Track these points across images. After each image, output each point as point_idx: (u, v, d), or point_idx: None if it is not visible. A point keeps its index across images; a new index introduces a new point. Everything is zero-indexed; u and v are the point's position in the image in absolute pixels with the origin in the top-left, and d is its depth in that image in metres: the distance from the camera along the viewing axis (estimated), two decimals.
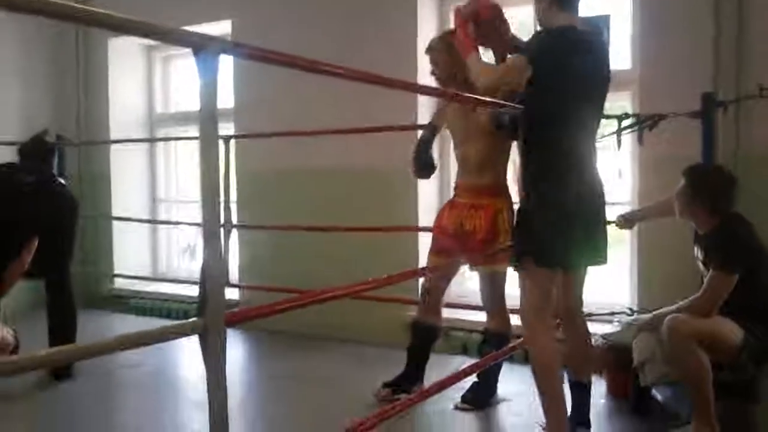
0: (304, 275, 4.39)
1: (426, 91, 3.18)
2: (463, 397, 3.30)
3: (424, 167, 3.36)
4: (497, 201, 3.20)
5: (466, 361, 3.12)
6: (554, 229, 2.56)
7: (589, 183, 2.64)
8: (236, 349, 4.55)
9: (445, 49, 3.21)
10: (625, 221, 3.30)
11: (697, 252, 2.97)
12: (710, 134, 3.33)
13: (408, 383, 3.31)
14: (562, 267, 2.68)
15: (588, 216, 2.62)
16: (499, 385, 3.42)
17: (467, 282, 4.51)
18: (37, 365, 1.53)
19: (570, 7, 2.62)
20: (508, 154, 3.28)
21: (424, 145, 3.36)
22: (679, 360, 2.75)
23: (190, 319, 1.59)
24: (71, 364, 3.89)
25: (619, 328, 3.33)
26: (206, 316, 1.54)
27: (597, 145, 2.78)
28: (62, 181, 4.12)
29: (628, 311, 3.62)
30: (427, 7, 4.54)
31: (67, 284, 3.99)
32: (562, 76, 2.55)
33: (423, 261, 4.32)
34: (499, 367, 3.35)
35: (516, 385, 3.54)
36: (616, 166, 3.85)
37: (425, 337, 3.38)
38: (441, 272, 3.34)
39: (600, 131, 2.86)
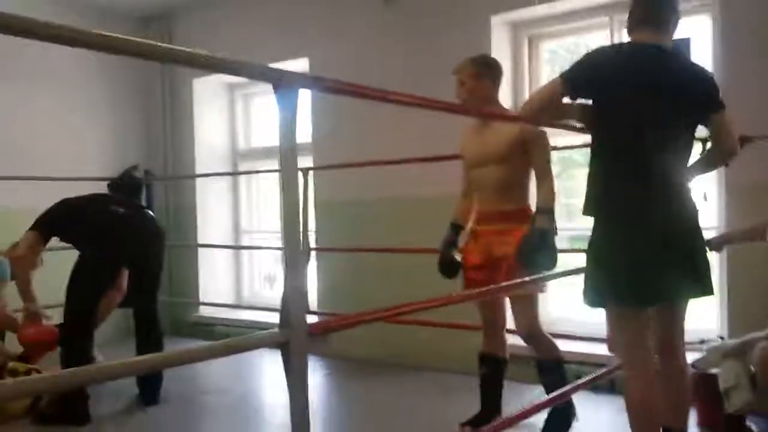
0: (383, 303, 4.41)
1: (494, 116, 3.14)
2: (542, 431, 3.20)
3: (450, 269, 3.23)
4: (523, 225, 3.02)
5: (561, 391, 3.01)
6: (620, 265, 2.35)
7: (667, 208, 2.37)
8: (316, 376, 4.61)
9: (474, 74, 3.13)
10: (713, 245, 3.13)
11: None
12: None
13: (486, 418, 3.19)
14: (639, 304, 2.40)
15: (672, 246, 2.34)
16: (582, 413, 3.32)
17: (547, 310, 4.44)
18: (131, 372, 1.57)
19: (644, 24, 2.45)
20: (530, 177, 3.13)
21: (448, 247, 3.24)
22: None
23: (273, 329, 1.59)
24: (158, 390, 4.03)
25: (706, 355, 3.20)
26: (289, 327, 1.56)
27: (683, 167, 2.47)
28: (150, 212, 4.30)
29: (719, 339, 3.48)
30: (500, 36, 4.56)
31: (154, 313, 4.14)
32: (596, 89, 2.39)
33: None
34: (571, 404, 3.19)
35: (602, 414, 3.44)
36: (702, 190, 3.72)
37: (493, 370, 3.28)
38: (484, 303, 3.23)
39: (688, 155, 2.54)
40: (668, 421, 2.56)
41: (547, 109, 2.49)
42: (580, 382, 3.07)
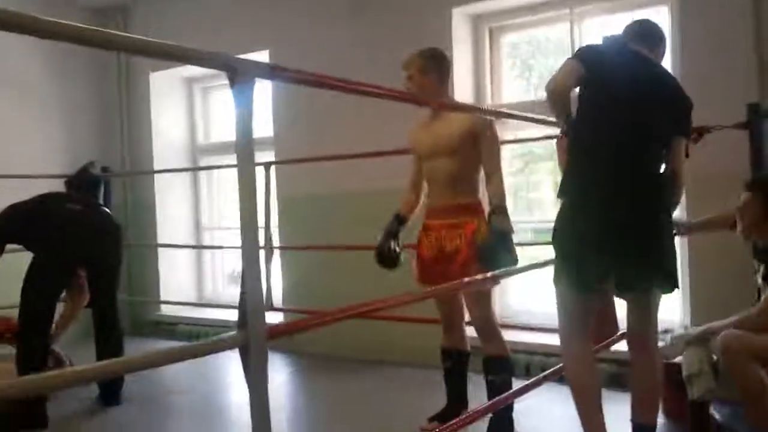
0: (348, 298, 4.36)
1: (460, 108, 3.12)
2: None
3: (387, 260, 3.19)
4: (474, 219, 3.02)
5: (527, 383, 3.00)
6: (568, 249, 2.46)
7: (628, 201, 2.41)
8: (277, 372, 4.56)
9: (421, 67, 3.11)
10: (680, 230, 3.13)
11: (758, 266, 2.87)
12: (759, 145, 3.24)
13: (452, 412, 3.13)
14: (579, 289, 2.48)
15: (624, 237, 2.40)
16: (548, 407, 3.33)
17: (524, 302, 4.47)
18: (88, 379, 1.52)
19: (641, 41, 2.63)
20: (479, 171, 3.09)
21: (387, 238, 3.20)
22: (734, 377, 2.65)
23: (231, 333, 1.56)
24: (119, 390, 3.94)
25: (669, 344, 3.23)
26: (247, 329, 1.53)
27: (645, 160, 2.52)
28: (107, 209, 4.19)
29: (683, 328, 3.51)
30: (461, 29, 4.55)
31: (113, 312, 4.04)
32: (598, 77, 2.49)
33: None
34: (511, 403, 3.09)
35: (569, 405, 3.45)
36: None
37: (456, 363, 3.26)
38: (440, 298, 3.19)
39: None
40: (638, 415, 2.61)
41: (571, 84, 2.53)
42: (546, 372, 3.08)
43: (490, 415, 2.96)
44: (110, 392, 3.93)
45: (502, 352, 3.09)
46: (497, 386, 3.00)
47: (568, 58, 2.55)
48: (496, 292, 4.50)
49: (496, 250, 2.85)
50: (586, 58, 2.52)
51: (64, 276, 3.83)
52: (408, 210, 3.28)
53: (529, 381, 2.99)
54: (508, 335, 4.11)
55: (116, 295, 4.09)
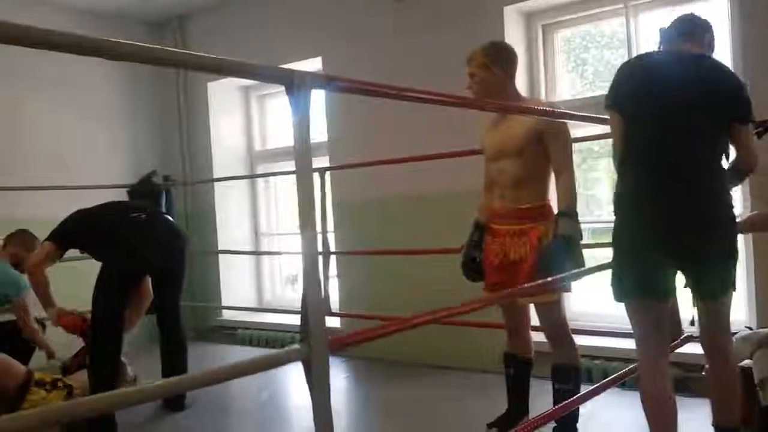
0: (403, 301, 4.37)
1: (514, 109, 3.04)
2: None
3: (472, 271, 3.11)
4: (541, 223, 2.90)
5: (589, 389, 2.93)
6: (622, 258, 2.43)
7: (683, 206, 2.36)
8: (337, 378, 4.59)
9: (483, 64, 2.99)
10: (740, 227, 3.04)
11: None
12: None
13: (513, 419, 3.10)
14: (642, 294, 2.43)
15: (682, 243, 2.36)
16: (612, 414, 3.25)
17: (582, 305, 4.39)
18: (157, 396, 1.58)
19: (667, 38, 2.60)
20: (549, 172, 2.97)
21: (471, 248, 3.11)
22: None
23: (294, 346, 1.60)
24: (183, 396, 4.03)
25: (734, 346, 3.12)
26: (309, 342, 1.55)
27: (706, 168, 2.42)
28: (171, 218, 4.29)
29: (747, 329, 3.40)
30: (513, 27, 4.50)
31: (178, 320, 4.13)
32: (620, 99, 2.50)
33: None
34: (577, 410, 3.01)
35: (631, 411, 3.38)
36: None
37: (518, 370, 3.17)
38: (506, 306, 3.11)
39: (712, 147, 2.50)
40: (719, 419, 2.59)
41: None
42: (608, 379, 3.02)
43: (553, 423, 2.90)
44: (174, 398, 4.02)
45: (573, 361, 2.98)
46: (562, 395, 2.89)
47: (607, 109, 2.56)
48: None
49: (558, 256, 2.73)
50: (615, 101, 2.52)
51: (131, 284, 3.93)
52: (487, 214, 3.14)
53: (592, 387, 2.93)
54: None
55: (180, 301, 4.17)
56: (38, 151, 5.47)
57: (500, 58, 3.00)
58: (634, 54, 4.11)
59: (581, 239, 2.82)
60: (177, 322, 4.13)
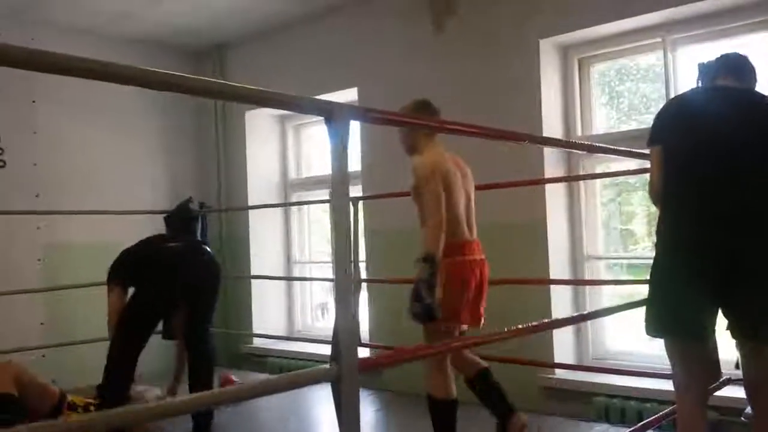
0: None
1: (552, 143, 3.07)
2: None
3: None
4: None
5: (608, 429, 2.87)
6: (665, 297, 2.39)
7: (730, 245, 2.29)
8: (363, 410, 4.54)
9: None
10: None
11: None
12: None
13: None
14: (684, 337, 2.38)
15: (731, 283, 2.28)
16: None
17: (607, 343, 4.32)
18: (181, 411, 1.56)
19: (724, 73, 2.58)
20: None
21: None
22: None
23: (324, 365, 1.59)
24: (210, 423, 4.03)
25: None
26: (340, 362, 1.54)
27: (757, 212, 2.35)
28: (206, 247, 4.35)
29: None
30: (549, 60, 4.51)
31: (206, 346, 4.15)
32: (664, 136, 2.49)
33: (555, 315, 4.21)
34: None
35: None
36: None
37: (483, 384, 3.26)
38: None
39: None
40: None
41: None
42: (644, 421, 2.95)
43: None
44: (202, 425, 4.02)
45: (436, 395, 3.13)
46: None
47: (649, 146, 2.55)
48: (589, 331, 4.38)
49: (411, 299, 2.97)
50: (658, 136, 2.52)
51: (162, 311, 4.00)
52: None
53: (629, 430, 2.87)
54: (604, 378, 4.00)
55: (209, 328, 4.20)
56: (78, 176, 5.60)
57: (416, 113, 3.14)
58: (672, 87, 4.09)
59: (434, 285, 2.92)
60: (204, 351, 4.14)
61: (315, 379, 1.58)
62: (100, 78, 1.25)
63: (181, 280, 3.95)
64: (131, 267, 3.99)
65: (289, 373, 1.60)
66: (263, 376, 5.69)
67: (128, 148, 6.00)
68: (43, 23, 5.27)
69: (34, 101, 5.43)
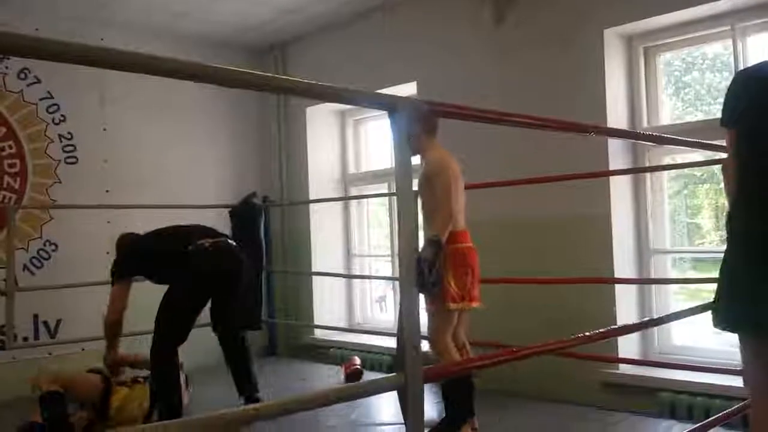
0: (498, 329, 4.33)
1: (617, 134, 3.00)
2: None
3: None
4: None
5: (692, 428, 2.79)
6: (737, 291, 2.21)
7: None
8: (428, 406, 4.54)
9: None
10: None
11: None
12: None
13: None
14: (759, 333, 2.20)
15: None
16: None
17: (673, 338, 4.23)
18: (251, 418, 1.61)
19: None
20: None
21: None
22: None
23: (391, 374, 1.64)
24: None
25: None
26: (406, 371, 1.57)
27: None
28: (234, 243, 4.23)
29: None
30: (614, 50, 4.42)
31: (236, 341, 4.24)
32: (736, 116, 2.25)
33: (621, 314, 4.15)
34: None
35: None
36: None
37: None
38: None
39: None
40: None
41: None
42: (712, 418, 2.88)
43: None
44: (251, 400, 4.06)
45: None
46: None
47: (723, 127, 2.32)
48: (655, 327, 4.29)
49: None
50: (733, 116, 2.28)
51: (193, 310, 3.99)
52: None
53: (695, 426, 2.81)
54: (671, 374, 3.92)
55: (236, 321, 4.28)
56: (145, 171, 5.77)
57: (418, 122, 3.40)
58: None
59: (435, 267, 3.27)
60: (234, 345, 4.23)
61: (383, 388, 1.66)
62: (182, 78, 1.29)
63: (207, 278, 3.96)
64: (137, 262, 4.02)
65: (357, 383, 1.66)
66: (326, 367, 5.77)
67: (193, 144, 6.15)
68: (106, 24, 5.42)
69: (103, 99, 5.63)
